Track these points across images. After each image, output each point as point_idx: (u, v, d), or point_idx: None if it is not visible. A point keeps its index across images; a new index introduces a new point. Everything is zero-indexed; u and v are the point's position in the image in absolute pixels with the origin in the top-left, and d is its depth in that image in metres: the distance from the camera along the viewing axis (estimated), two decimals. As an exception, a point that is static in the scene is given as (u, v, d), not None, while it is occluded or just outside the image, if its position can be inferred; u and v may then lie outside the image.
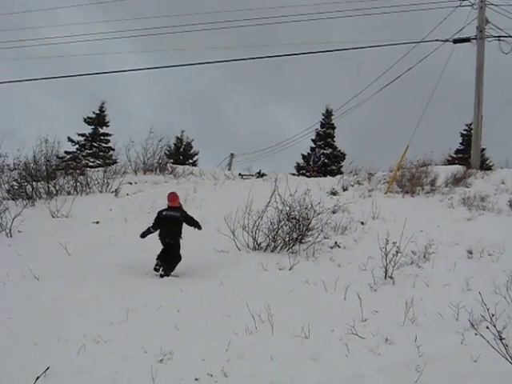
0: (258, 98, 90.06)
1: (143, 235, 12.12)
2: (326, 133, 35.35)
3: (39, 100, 69.14)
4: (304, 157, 35.32)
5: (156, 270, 11.45)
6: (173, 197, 12.40)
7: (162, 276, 11.38)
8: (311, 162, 27.35)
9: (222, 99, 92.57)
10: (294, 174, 28.63)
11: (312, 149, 29.73)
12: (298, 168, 35.10)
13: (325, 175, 26.17)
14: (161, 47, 75.51)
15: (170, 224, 11.79)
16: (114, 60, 79.66)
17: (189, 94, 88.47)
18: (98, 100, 39.14)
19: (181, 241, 11.84)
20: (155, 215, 12.34)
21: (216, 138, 66.93)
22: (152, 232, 12.05)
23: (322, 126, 35.72)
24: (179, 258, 11.70)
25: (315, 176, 25.04)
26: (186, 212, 12.33)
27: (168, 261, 11.57)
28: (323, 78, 79.04)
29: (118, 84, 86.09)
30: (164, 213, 12.10)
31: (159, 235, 11.88)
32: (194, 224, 12.06)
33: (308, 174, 27.28)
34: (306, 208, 13.71)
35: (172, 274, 11.50)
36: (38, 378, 3.14)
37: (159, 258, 11.58)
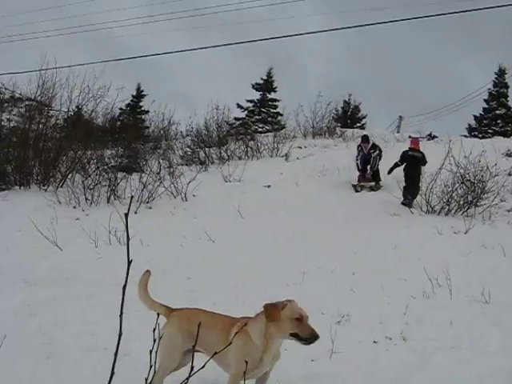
0: (444, 53, 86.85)
1: (390, 170, 15.30)
2: (499, 92, 33.30)
3: (216, 64, 71.12)
4: (476, 118, 33.68)
5: (404, 204, 13.84)
6: (415, 142, 15.72)
7: (404, 204, 13.83)
8: (358, 165, 16.73)
9: (404, 56, 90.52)
10: (465, 136, 27.21)
11: (364, 141, 17.73)
12: (470, 129, 33.45)
13: (377, 182, 16.51)
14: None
15: (412, 161, 14.66)
16: (290, 22, 79.81)
17: (369, 52, 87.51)
18: (275, 62, 39.77)
19: (421, 178, 14.15)
20: (400, 153, 15.36)
21: (391, 96, 65.39)
22: (399, 165, 15.05)
23: (495, 85, 33.67)
24: (419, 189, 13.98)
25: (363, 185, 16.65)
26: (424, 156, 14.86)
27: (412, 190, 14.01)
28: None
29: (297, 45, 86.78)
30: (409, 152, 15.04)
31: (404, 169, 14.66)
32: (423, 162, 14.69)
33: (355, 184, 16.54)
34: (481, 170, 13.26)
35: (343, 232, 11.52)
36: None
37: (404, 194, 13.99)
